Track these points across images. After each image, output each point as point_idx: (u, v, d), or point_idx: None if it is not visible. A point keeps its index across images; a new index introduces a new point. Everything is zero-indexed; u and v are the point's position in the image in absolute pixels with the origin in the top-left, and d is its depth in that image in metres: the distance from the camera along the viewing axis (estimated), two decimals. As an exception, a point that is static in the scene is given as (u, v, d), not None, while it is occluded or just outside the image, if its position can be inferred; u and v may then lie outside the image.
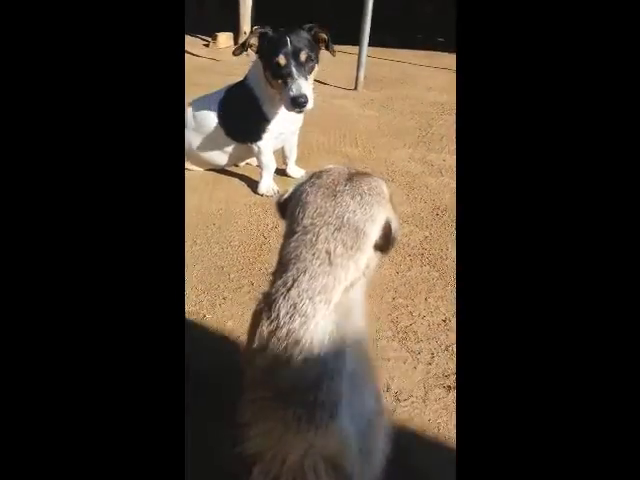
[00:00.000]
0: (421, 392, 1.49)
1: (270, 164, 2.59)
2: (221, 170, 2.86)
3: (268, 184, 2.61)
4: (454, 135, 3.40)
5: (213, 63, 5.35)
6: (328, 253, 0.83)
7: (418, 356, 1.61)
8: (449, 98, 4.21)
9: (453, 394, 1.48)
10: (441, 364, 1.58)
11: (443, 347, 1.65)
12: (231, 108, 2.53)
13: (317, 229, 0.85)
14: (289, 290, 0.86)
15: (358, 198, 0.83)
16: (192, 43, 6.05)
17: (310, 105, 2.19)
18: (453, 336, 1.70)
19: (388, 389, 1.49)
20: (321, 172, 0.90)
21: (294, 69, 2.16)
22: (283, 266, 0.86)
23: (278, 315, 0.85)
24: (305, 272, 0.84)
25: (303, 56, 2.19)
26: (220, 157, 2.72)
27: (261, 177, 2.63)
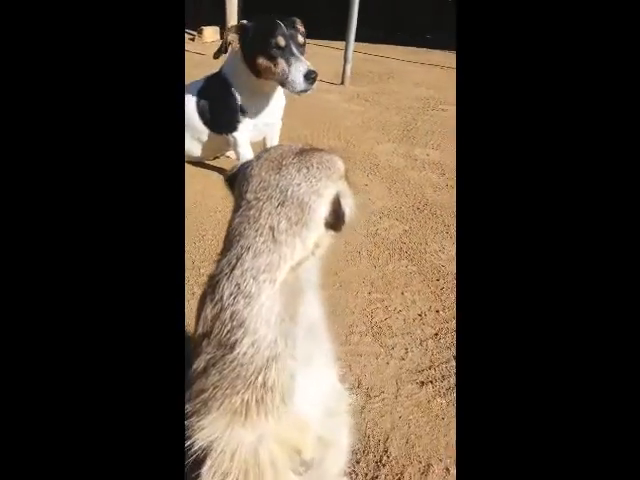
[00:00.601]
0: (393, 388, 1.44)
1: (247, 155, 2.53)
2: (197, 163, 2.79)
3: (246, 177, 2.54)
4: (439, 130, 3.36)
5: (199, 57, 5.26)
6: (272, 229, 0.77)
7: (392, 351, 1.56)
8: (435, 94, 4.17)
9: (426, 390, 1.44)
10: (415, 359, 1.53)
11: (418, 342, 1.60)
12: (208, 97, 2.49)
13: (260, 204, 0.79)
14: (232, 270, 0.81)
15: (304, 171, 0.77)
16: (178, 37, 5.96)
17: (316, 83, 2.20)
18: (428, 330, 1.65)
19: (359, 385, 1.44)
20: (270, 147, 0.84)
21: (295, 49, 2.16)
22: (228, 244, 0.81)
23: (222, 297, 0.80)
24: (249, 250, 0.79)
25: (301, 38, 2.21)
26: (197, 148, 2.66)
27: (239, 170, 2.56)
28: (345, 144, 3.12)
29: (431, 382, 1.46)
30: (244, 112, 2.41)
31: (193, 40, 6.02)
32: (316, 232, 0.78)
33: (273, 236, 0.77)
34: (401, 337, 1.62)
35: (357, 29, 4.23)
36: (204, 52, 5.45)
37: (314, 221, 0.77)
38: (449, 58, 5.46)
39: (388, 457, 1.25)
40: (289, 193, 0.77)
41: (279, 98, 2.51)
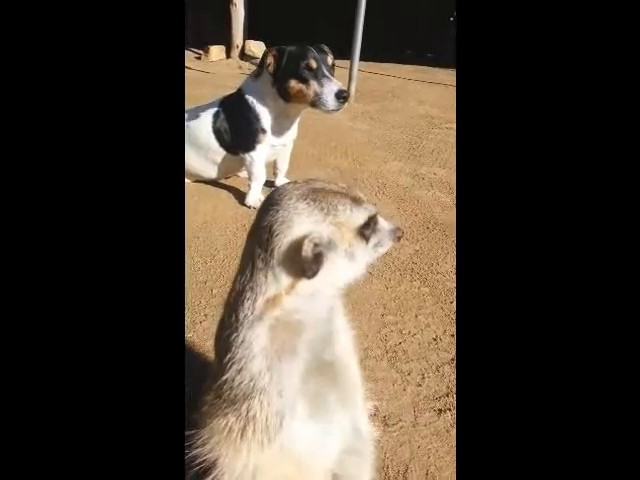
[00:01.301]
0: (410, 416, 1.41)
1: (260, 175, 2.55)
2: (208, 182, 2.79)
3: (256, 196, 2.56)
4: (444, 148, 3.39)
5: (205, 76, 5.34)
6: (252, 261, 0.79)
7: (408, 377, 1.54)
8: (440, 112, 4.22)
9: (444, 418, 1.41)
10: (432, 385, 1.51)
11: (434, 367, 1.58)
12: (226, 119, 2.53)
13: (250, 236, 0.81)
14: (230, 295, 0.82)
15: (283, 210, 0.77)
16: (185, 56, 6.05)
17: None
18: (444, 355, 1.63)
19: (376, 412, 1.41)
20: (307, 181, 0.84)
21: (326, 70, 2.30)
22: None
23: (223, 320, 0.83)
24: (239, 278, 0.81)
25: (330, 60, 2.35)
26: (211, 169, 2.68)
27: (249, 188, 2.58)
28: (352, 162, 3.13)
29: (449, 409, 1.43)
30: (265, 134, 2.45)
31: (199, 59, 6.11)
32: (284, 270, 0.76)
33: (252, 268, 0.78)
34: (417, 362, 1.60)
35: (361, 49, 4.30)
36: (210, 71, 5.53)
37: (278, 252, 0.75)
38: (452, 76, 5.54)
39: (409, 489, 1.22)
40: (263, 228, 0.78)
41: (296, 121, 2.56)
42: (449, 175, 2.99)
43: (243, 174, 2.84)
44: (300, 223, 0.75)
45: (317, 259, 0.74)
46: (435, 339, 1.70)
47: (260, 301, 0.76)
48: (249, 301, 0.77)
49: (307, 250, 0.72)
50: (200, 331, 1.69)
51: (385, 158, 3.22)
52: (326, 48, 2.39)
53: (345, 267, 0.79)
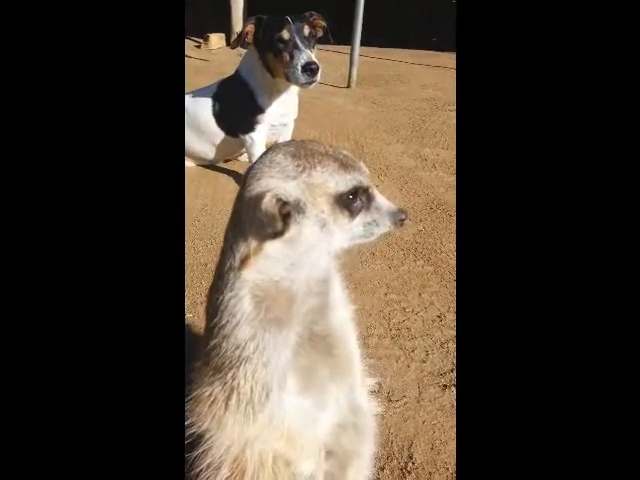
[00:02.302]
0: (415, 392, 1.39)
1: None
2: (208, 165, 2.77)
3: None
4: (448, 130, 3.33)
5: (205, 64, 5.28)
6: (232, 217, 0.76)
7: (412, 354, 1.51)
8: (442, 95, 4.14)
9: (449, 393, 1.38)
10: (436, 362, 1.48)
11: (438, 344, 1.55)
12: (224, 101, 2.49)
13: (240, 192, 0.77)
14: (220, 256, 0.80)
15: (260, 163, 0.73)
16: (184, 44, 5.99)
17: (319, 75, 2.17)
18: (448, 332, 1.60)
19: (380, 389, 1.39)
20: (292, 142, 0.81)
21: (299, 41, 2.17)
22: None
23: (214, 282, 0.80)
24: (225, 237, 0.79)
25: (306, 30, 2.21)
26: (211, 151, 2.65)
27: (249, 172, 2.54)
28: (354, 145, 3.09)
29: (454, 385, 1.41)
30: (263, 112, 2.41)
31: (199, 47, 6.04)
32: (250, 223, 0.71)
33: (232, 222, 0.75)
34: (421, 339, 1.57)
35: (362, 33, 4.22)
36: (210, 59, 5.47)
37: (246, 205, 0.70)
38: (453, 60, 5.44)
39: (413, 464, 1.20)
40: (248, 171, 0.73)
41: (295, 99, 2.51)
42: (452, 156, 2.94)
43: (243, 157, 2.81)
44: (269, 177, 0.69)
45: (284, 219, 0.68)
46: (439, 316, 1.67)
47: (237, 261, 0.72)
48: (229, 261, 0.73)
49: (267, 205, 0.66)
50: (201, 312, 1.67)
51: (388, 140, 3.17)
52: (311, 16, 2.26)
53: (314, 236, 0.71)
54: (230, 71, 2.63)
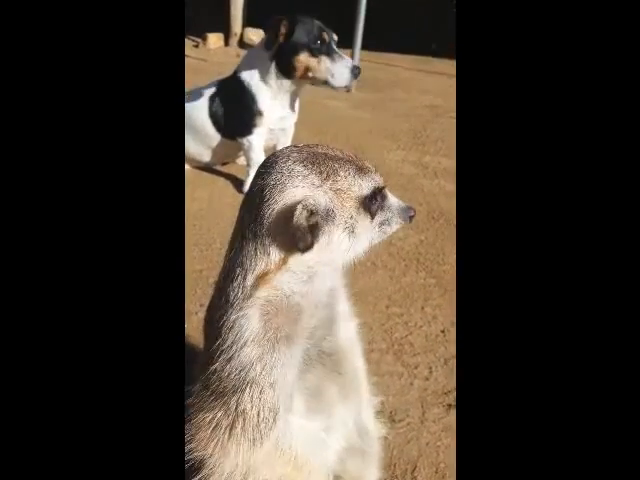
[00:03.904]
0: (418, 411, 1.34)
1: (259, 161, 2.45)
2: (204, 168, 2.70)
3: (254, 183, 2.47)
4: (449, 138, 3.30)
5: (203, 63, 5.21)
6: (242, 232, 0.69)
7: (415, 371, 1.46)
8: (443, 102, 4.12)
9: (454, 413, 1.33)
10: (440, 379, 1.43)
11: (442, 361, 1.50)
12: (222, 102, 2.43)
13: (242, 205, 0.71)
14: (221, 274, 0.74)
15: (276, 173, 0.67)
16: (181, 43, 5.92)
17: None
18: (452, 348, 1.55)
19: (382, 408, 1.33)
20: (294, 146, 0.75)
21: (335, 47, 2.22)
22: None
23: (213, 301, 0.74)
24: (228, 254, 0.73)
25: (335, 37, 2.26)
26: (207, 154, 2.58)
27: (247, 175, 2.48)
28: (354, 151, 3.04)
29: (459, 405, 1.36)
30: (262, 116, 2.35)
31: (197, 47, 5.98)
32: (274, 238, 0.65)
33: (241, 237, 0.69)
34: (424, 355, 1.52)
35: (363, 38, 4.20)
36: (208, 59, 5.40)
37: (268, 220, 0.65)
38: (454, 67, 5.44)
39: (417, 489, 1.15)
40: (259, 182, 0.68)
41: (296, 103, 2.46)
42: (454, 164, 2.91)
43: (241, 161, 2.75)
44: (294, 187, 0.65)
45: (312, 230, 0.64)
46: (443, 331, 1.62)
47: (249, 279, 0.67)
48: (238, 279, 0.68)
49: (299, 217, 0.62)
50: (195, 322, 1.60)
51: (388, 147, 3.13)
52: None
53: (344, 242, 0.68)
54: (228, 71, 2.58)
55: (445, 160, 2.96)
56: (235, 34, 6.12)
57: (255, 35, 6.11)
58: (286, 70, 2.23)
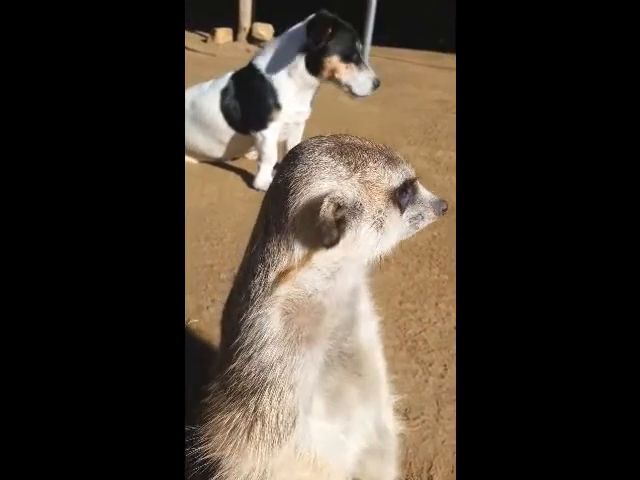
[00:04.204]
0: (433, 409, 1.31)
1: (272, 156, 2.44)
2: (215, 162, 2.68)
3: (266, 178, 2.45)
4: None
5: (210, 59, 5.20)
6: (265, 226, 0.67)
7: (429, 368, 1.44)
8: (453, 97, 4.06)
9: (470, 412, 1.31)
10: (454, 377, 1.41)
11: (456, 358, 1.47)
12: (236, 96, 2.41)
13: (266, 197, 0.69)
14: (241, 269, 0.71)
15: (302, 164, 0.64)
16: (190, 38, 5.89)
17: None
18: (467, 345, 1.53)
19: (397, 403, 1.31)
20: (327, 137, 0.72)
21: (362, 57, 2.33)
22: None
23: (232, 296, 0.72)
24: (250, 248, 0.70)
25: (360, 45, 2.37)
26: (218, 148, 2.56)
27: (259, 170, 2.47)
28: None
29: (475, 403, 1.33)
30: (279, 109, 2.34)
31: (205, 41, 5.96)
32: (298, 232, 0.63)
33: (264, 231, 0.66)
34: (438, 352, 1.49)
35: (373, 33, 4.15)
36: (216, 53, 5.39)
37: (293, 214, 0.62)
38: (465, 62, 5.36)
39: (434, 488, 1.13)
40: (285, 174, 0.65)
41: (312, 98, 2.45)
42: (466, 160, 2.87)
43: (250, 155, 2.73)
44: (321, 179, 0.62)
45: (339, 225, 0.61)
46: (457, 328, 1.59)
47: (271, 275, 0.65)
48: (260, 275, 0.65)
49: (326, 211, 0.59)
50: (207, 317, 1.59)
51: (399, 142, 3.09)
52: None
53: (371, 238, 0.65)
54: (237, 66, 2.55)
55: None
56: (244, 29, 6.09)
57: (264, 30, 6.08)
58: (315, 68, 2.26)
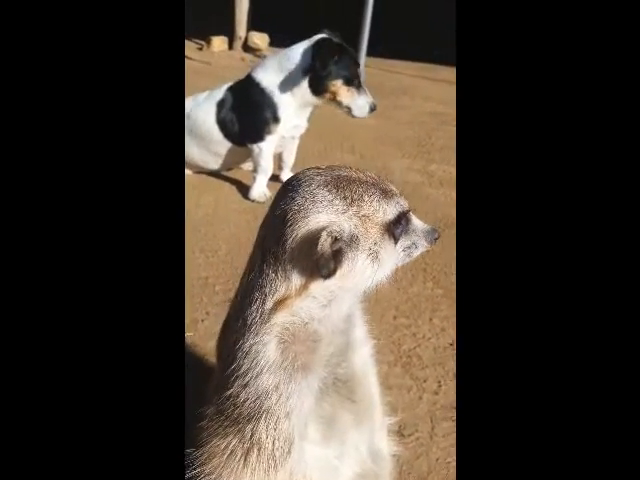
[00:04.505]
0: (427, 426, 1.32)
1: (268, 168, 2.45)
2: (210, 173, 2.69)
3: (261, 189, 2.46)
4: (454, 146, 3.30)
5: (206, 67, 5.22)
6: (262, 255, 0.68)
7: (423, 384, 1.45)
8: (447, 109, 4.13)
9: (463, 429, 1.32)
10: (449, 394, 1.42)
11: (451, 374, 1.49)
12: (232, 108, 2.42)
13: (262, 227, 0.70)
14: (237, 295, 0.71)
15: (300, 197, 0.66)
16: (186, 46, 5.90)
17: None
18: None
19: (391, 424, 1.32)
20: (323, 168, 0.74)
21: (361, 82, 2.43)
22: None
23: (228, 322, 0.73)
24: (247, 275, 0.71)
25: (360, 70, 2.48)
26: (213, 160, 2.57)
27: (254, 181, 2.47)
28: (359, 159, 3.04)
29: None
30: (278, 123, 2.36)
31: (201, 49, 5.98)
32: (296, 263, 0.65)
33: (262, 260, 0.68)
34: (432, 368, 1.51)
35: (367, 44, 4.21)
36: (211, 62, 5.41)
37: (291, 245, 0.64)
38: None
39: (428, 507, 1.13)
40: (282, 205, 0.67)
41: (310, 114, 2.50)
42: (459, 173, 2.91)
43: (246, 166, 2.74)
44: (318, 213, 0.64)
45: (335, 256, 0.63)
46: (452, 344, 1.61)
47: (269, 303, 0.67)
48: (256, 303, 0.67)
49: (324, 244, 0.61)
50: (202, 330, 1.59)
51: (393, 154, 3.13)
52: None
53: (367, 269, 0.67)
54: (232, 74, 2.57)
55: (450, 168, 2.96)
56: (239, 37, 6.13)
57: (260, 39, 6.12)
58: (318, 89, 2.33)
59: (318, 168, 0.71)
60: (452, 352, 1.57)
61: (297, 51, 2.32)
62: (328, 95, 2.34)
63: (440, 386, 1.44)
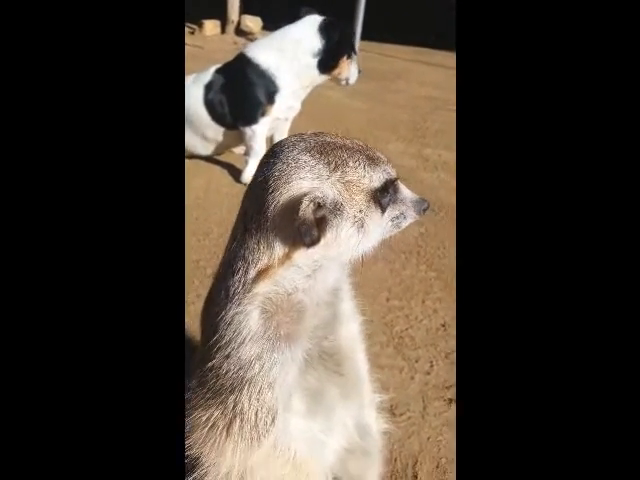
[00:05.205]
0: (419, 406, 1.32)
1: (261, 150, 2.41)
2: (201, 157, 2.65)
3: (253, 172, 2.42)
4: (449, 130, 3.27)
5: (199, 51, 5.12)
6: (244, 224, 0.66)
7: (415, 365, 1.44)
8: (442, 94, 4.08)
9: (455, 407, 1.32)
10: (441, 374, 1.42)
11: (443, 355, 1.48)
12: (223, 90, 2.37)
13: (245, 196, 0.68)
14: (220, 267, 0.71)
15: (281, 163, 0.63)
16: (177, 29, 5.81)
17: None
18: (453, 342, 1.53)
19: (382, 402, 1.32)
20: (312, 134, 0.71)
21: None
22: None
23: (211, 294, 0.71)
24: (229, 246, 0.69)
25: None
26: (202, 145, 2.52)
27: (247, 164, 2.44)
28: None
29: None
30: (273, 104, 2.32)
31: (193, 33, 5.86)
32: (278, 231, 0.63)
33: (244, 229, 0.66)
34: (425, 349, 1.50)
35: (362, 28, 4.14)
36: (204, 46, 5.30)
37: (273, 213, 0.62)
38: (454, 59, 5.38)
39: (419, 484, 1.14)
40: (264, 172, 0.64)
41: (304, 95, 2.47)
42: (454, 157, 2.88)
43: (238, 150, 2.70)
44: (300, 178, 0.61)
45: (319, 224, 0.61)
46: (444, 325, 1.60)
47: (251, 273, 0.65)
48: (239, 273, 0.65)
49: (306, 211, 0.59)
50: (192, 313, 1.57)
51: (387, 138, 3.09)
52: None
53: (352, 237, 0.65)
54: (225, 58, 2.51)
55: (445, 153, 2.93)
56: (232, 21, 6.01)
57: (252, 22, 6.01)
58: (328, 67, 2.34)
59: (302, 134, 0.69)
60: (444, 333, 1.57)
61: (296, 32, 2.28)
62: (335, 71, 2.40)
63: (432, 366, 1.44)
